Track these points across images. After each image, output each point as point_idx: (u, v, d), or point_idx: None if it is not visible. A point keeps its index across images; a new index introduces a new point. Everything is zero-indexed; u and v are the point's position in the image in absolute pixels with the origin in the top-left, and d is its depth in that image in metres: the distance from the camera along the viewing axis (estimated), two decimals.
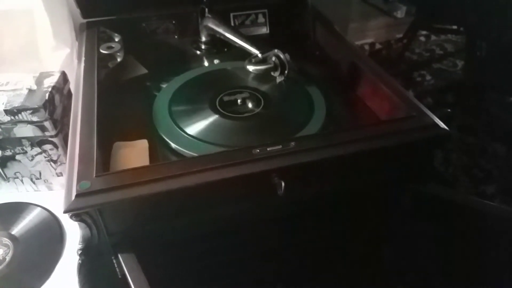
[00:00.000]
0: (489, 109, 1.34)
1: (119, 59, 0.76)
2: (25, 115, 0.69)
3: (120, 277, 0.50)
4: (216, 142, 0.59)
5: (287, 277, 0.70)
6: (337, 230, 0.67)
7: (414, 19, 1.49)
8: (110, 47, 0.77)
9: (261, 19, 0.91)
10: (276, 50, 0.69)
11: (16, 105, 0.68)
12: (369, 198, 0.63)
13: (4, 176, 0.78)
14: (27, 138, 0.72)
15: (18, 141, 0.72)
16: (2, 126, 0.70)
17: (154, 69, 0.77)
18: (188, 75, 0.75)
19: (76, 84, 0.66)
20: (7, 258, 0.69)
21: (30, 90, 0.71)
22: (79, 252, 0.50)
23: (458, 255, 0.64)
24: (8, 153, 0.74)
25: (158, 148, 0.60)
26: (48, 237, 0.73)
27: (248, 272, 0.66)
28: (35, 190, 0.81)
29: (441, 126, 0.57)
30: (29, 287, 0.66)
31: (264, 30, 0.92)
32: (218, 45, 0.85)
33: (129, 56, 0.78)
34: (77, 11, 0.82)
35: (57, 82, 0.75)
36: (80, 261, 0.51)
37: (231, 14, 0.89)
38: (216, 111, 0.64)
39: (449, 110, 1.37)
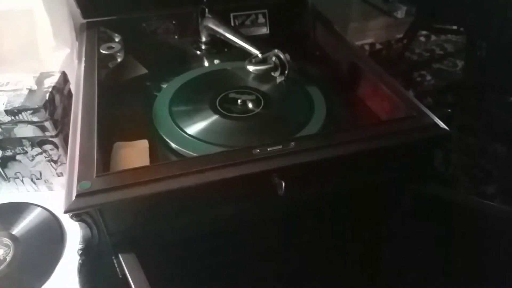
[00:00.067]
0: (489, 109, 1.34)
1: (119, 59, 0.76)
2: (25, 115, 0.69)
3: (120, 277, 0.50)
4: (216, 142, 0.59)
5: (287, 277, 0.70)
6: (337, 230, 0.67)
7: (414, 19, 1.48)
8: (110, 47, 0.77)
9: (261, 19, 0.91)
10: (276, 50, 0.69)
11: (16, 105, 0.68)
12: (369, 198, 0.63)
13: (4, 176, 0.78)
14: (28, 138, 0.72)
15: (19, 141, 0.72)
16: (3, 126, 0.70)
17: (154, 69, 0.77)
18: (188, 75, 0.75)
19: (76, 84, 0.66)
20: (8, 258, 0.69)
21: (31, 90, 0.71)
22: (80, 252, 0.50)
23: (458, 255, 0.64)
24: (9, 153, 0.74)
25: (158, 148, 0.60)
26: (49, 237, 0.73)
27: (248, 272, 0.66)
28: (35, 190, 0.81)
29: (441, 126, 0.57)
30: (30, 287, 0.66)
31: (264, 30, 0.92)
32: (218, 45, 0.85)
33: (129, 56, 0.78)
34: (77, 11, 0.82)
35: (58, 82, 0.75)
36: (80, 261, 0.51)
37: (231, 14, 0.89)
38: (216, 111, 0.64)
39: (449, 110, 1.37)
